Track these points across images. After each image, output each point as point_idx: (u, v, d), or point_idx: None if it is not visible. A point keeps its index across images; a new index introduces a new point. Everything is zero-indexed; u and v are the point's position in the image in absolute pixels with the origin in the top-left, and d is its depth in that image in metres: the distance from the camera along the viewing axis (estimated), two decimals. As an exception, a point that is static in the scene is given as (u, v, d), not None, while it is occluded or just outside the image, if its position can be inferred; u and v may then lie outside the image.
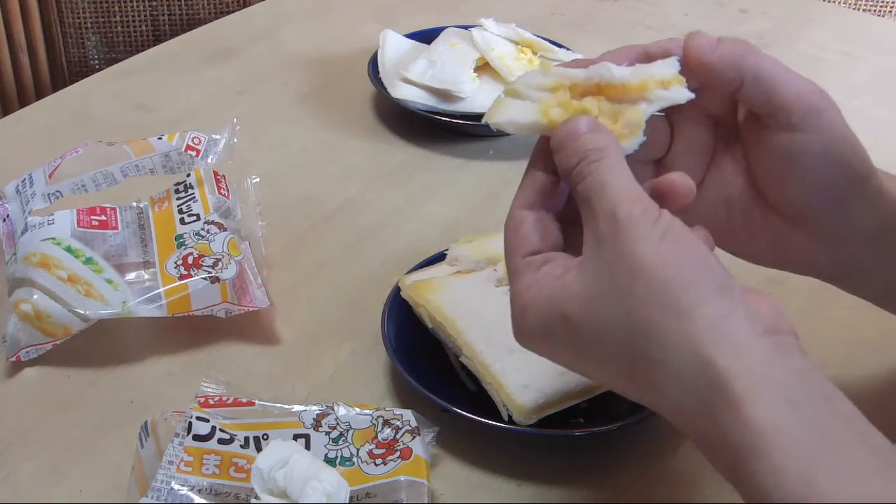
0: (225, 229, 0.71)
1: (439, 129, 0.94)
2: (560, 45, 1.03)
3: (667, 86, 0.50)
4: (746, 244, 0.55)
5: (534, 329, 0.47)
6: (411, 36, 1.04)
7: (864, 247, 0.54)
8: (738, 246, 0.56)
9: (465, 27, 1.02)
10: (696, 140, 0.55)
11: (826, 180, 0.51)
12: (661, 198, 0.47)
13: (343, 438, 0.59)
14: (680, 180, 0.48)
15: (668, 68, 0.50)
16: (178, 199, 0.74)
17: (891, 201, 0.53)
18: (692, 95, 0.50)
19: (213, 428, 0.57)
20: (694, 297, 0.42)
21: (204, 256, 0.69)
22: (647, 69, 0.50)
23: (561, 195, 0.50)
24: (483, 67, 0.98)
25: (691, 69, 0.50)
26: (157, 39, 1.46)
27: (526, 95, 0.51)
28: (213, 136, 0.76)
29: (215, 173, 0.76)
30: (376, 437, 0.59)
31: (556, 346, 0.47)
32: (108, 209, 0.73)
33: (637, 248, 0.43)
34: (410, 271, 0.71)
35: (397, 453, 0.58)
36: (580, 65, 0.51)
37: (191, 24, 1.46)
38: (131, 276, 0.69)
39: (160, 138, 0.74)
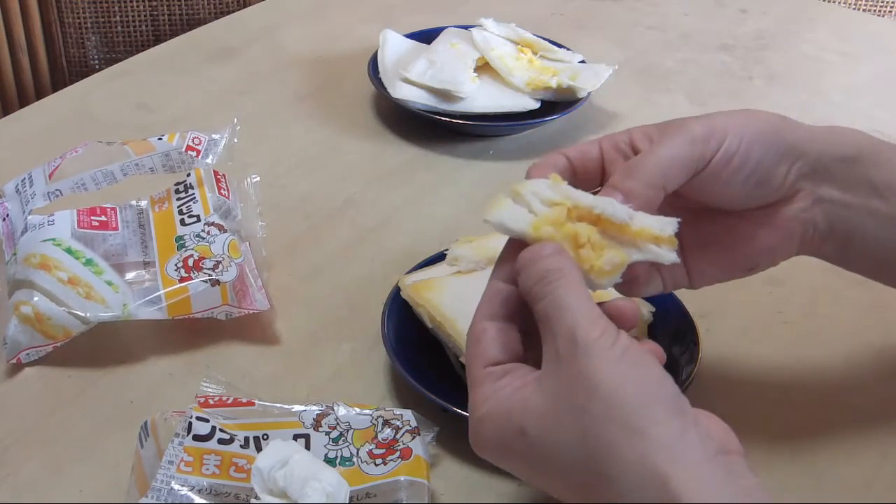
0: (225, 231, 0.71)
1: (439, 129, 0.94)
2: (560, 45, 1.03)
3: (659, 242, 0.51)
4: (739, 259, 0.59)
5: (491, 442, 0.48)
6: (411, 36, 1.04)
7: (812, 187, 0.57)
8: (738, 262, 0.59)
9: (465, 27, 1.02)
10: None
11: (751, 165, 0.55)
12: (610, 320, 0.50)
13: (343, 438, 0.59)
14: (627, 305, 0.51)
15: (667, 227, 0.52)
16: (179, 199, 0.74)
17: (816, 145, 0.56)
18: (677, 261, 0.52)
19: (213, 428, 0.57)
20: (649, 417, 0.44)
21: (204, 259, 0.68)
22: (648, 220, 0.52)
23: (523, 306, 0.51)
24: (483, 67, 0.98)
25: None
26: (157, 39, 1.46)
27: (528, 202, 0.51)
28: (213, 136, 0.76)
29: (215, 173, 0.76)
30: (376, 437, 0.59)
31: (512, 459, 0.48)
32: (108, 209, 0.73)
33: (595, 369, 0.45)
34: (410, 271, 0.71)
35: (397, 453, 0.58)
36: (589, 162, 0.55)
37: (191, 24, 1.46)
38: (131, 275, 0.69)
39: (160, 138, 0.74)
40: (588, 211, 0.51)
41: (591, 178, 0.56)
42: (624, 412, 0.44)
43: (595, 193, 0.53)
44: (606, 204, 0.51)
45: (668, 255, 0.52)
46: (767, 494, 0.44)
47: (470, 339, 0.51)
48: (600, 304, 0.50)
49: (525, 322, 0.52)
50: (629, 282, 0.53)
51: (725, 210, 0.57)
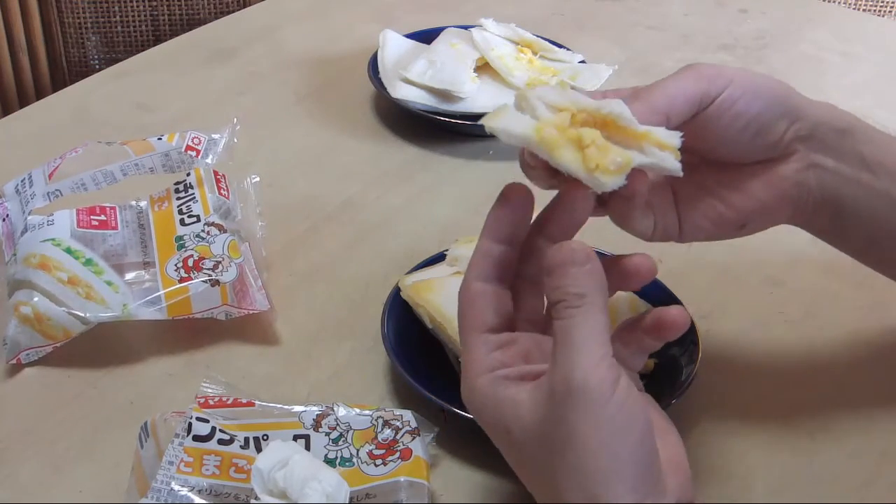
0: (225, 231, 0.71)
1: (439, 129, 0.94)
2: (560, 45, 1.03)
3: (663, 149, 0.51)
4: (738, 214, 0.59)
5: (479, 414, 0.51)
6: (411, 36, 1.04)
7: (807, 151, 0.58)
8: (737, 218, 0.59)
9: (465, 27, 1.02)
10: None
11: (753, 112, 0.56)
12: (626, 277, 0.51)
13: (343, 439, 0.59)
14: (644, 262, 0.52)
15: (672, 137, 0.51)
16: (178, 199, 0.74)
17: (816, 112, 0.58)
18: (680, 172, 0.52)
19: (213, 428, 0.57)
20: (611, 491, 0.46)
21: (204, 259, 0.68)
22: (654, 129, 0.51)
23: (513, 266, 0.53)
24: (483, 67, 0.98)
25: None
26: (157, 39, 1.46)
27: (533, 107, 0.51)
28: (213, 136, 0.76)
29: (215, 173, 0.76)
30: (376, 437, 0.59)
31: (494, 438, 0.51)
32: (107, 208, 0.73)
33: (579, 425, 0.46)
34: (410, 271, 0.71)
35: (397, 454, 0.58)
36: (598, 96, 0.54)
37: (191, 24, 1.46)
38: (131, 275, 0.69)
39: (160, 138, 0.74)
40: (594, 113, 0.51)
41: None
42: (588, 479, 0.46)
43: None
44: (613, 105, 0.51)
45: (673, 162, 0.51)
46: None
47: (463, 301, 0.52)
48: (619, 259, 0.51)
49: (516, 278, 0.53)
50: (626, 199, 0.53)
51: (722, 162, 0.58)
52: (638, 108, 0.52)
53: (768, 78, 0.57)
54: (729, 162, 0.58)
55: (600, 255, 0.50)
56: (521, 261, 0.54)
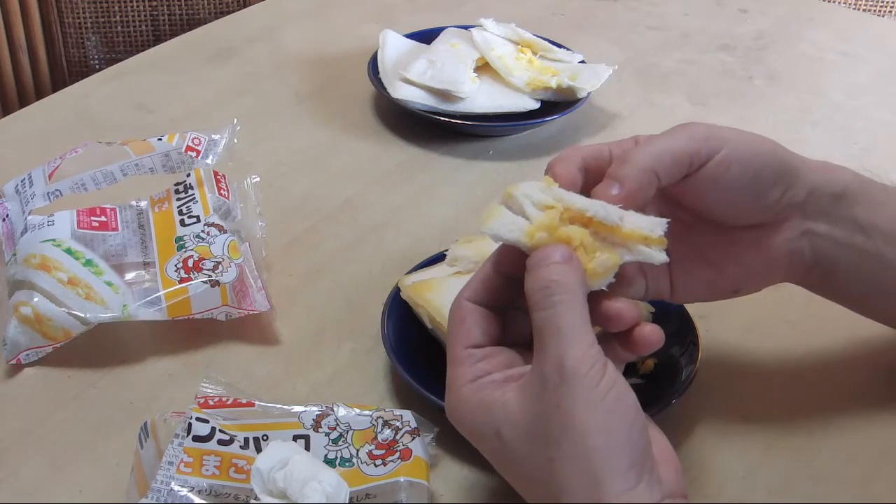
0: (225, 231, 0.71)
1: (439, 129, 0.94)
2: (560, 45, 1.03)
3: (649, 243, 0.52)
4: (726, 277, 0.59)
5: (467, 425, 0.51)
6: (411, 36, 1.04)
7: (801, 219, 0.58)
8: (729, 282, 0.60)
9: (465, 27, 1.02)
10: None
11: (749, 176, 0.55)
12: (608, 321, 0.52)
13: (343, 439, 0.59)
14: (626, 307, 0.52)
15: (657, 227, 0.52)
16: (178, 199, 0.74)
17: (811, 176, 0.57)
18: (667, 260, 0.53)
19: (213, 429, 0.57)
20: (609, 469, 0.47)
21: (204, 259, 0.68)
22: (638, 221, 0.52)
23: (506, 295, 0.54)
24: (483, 67, 0.98)
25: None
26: (157, 39, 1.46)
27: (520, 205, 0.52)
28: (213, 136, 0.76)
29: (215, 173, 0.76)
30: (376, 437, 0.59)
31: (483, 447, 0.52)
32: (107, 210, 0.73)
33: (574, 408, 0.47)
34: (410, 271, 0.71)
35: (397, 454, 0.58)
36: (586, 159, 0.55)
37: (191, 24, 1.46)
38: (131, 276, 0.69)
39: (160, 139, 0.74)
40: (580, 214, 0.52)
41: (600, 177, 0.56)
42: (588, 460, 0.47)
43: (588, 194, 0.54)
44: (598, 207, 0.52)
45: (658, 256, 0.52)
46: None
47: (453, 317, 0.53)
48: (602, 299, 0.52)
49: (507, 303, 0.54)
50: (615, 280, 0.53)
51: (717, 225, 0.58)
52: (626, 172, 0.53)
53: (762, 139, 0.57)
54: (723, 223, 0.58)
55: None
56: (517, 292, 0.54)
